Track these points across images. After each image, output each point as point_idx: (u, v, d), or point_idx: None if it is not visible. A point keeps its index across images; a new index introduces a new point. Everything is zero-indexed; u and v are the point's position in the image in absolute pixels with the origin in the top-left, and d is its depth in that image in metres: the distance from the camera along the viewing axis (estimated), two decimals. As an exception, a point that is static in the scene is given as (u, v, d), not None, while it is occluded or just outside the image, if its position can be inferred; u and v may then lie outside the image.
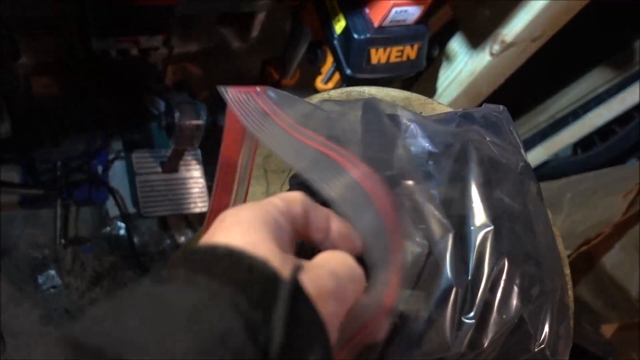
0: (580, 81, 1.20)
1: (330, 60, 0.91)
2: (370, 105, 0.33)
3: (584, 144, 1.28)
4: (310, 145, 0.28)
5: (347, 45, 0.78)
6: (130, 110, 1.12)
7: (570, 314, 0.47)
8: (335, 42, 0.80)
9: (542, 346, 0.37)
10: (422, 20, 0.79)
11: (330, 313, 0.24)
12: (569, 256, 0.89)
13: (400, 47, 0.79)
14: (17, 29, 1.05)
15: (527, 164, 0.40)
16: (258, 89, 0.32)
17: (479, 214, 0.33)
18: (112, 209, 1.10)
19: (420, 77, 1.05)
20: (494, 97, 1.35)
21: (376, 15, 0.75)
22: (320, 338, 0.23)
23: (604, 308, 1.11)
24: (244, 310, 0.22)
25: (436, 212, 0.31)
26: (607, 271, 1.05)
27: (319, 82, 0.96)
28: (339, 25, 0.78)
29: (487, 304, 0.32)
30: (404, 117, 0.35)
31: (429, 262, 0.29)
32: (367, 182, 0.27)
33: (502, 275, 0.33)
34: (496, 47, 0.85)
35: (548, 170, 1.31)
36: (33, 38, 1.06)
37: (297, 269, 0.23)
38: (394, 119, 0.35)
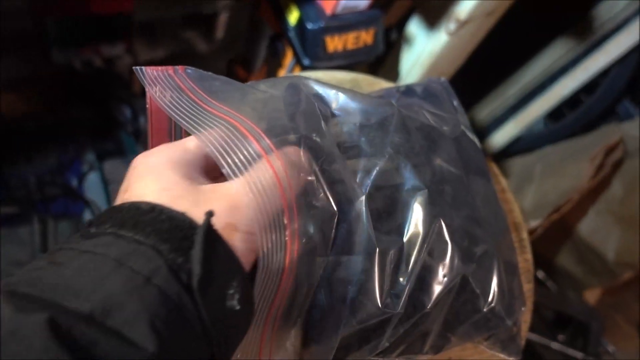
0: (544, 53, 1.21)
1: (290, 52, 0.92)
2: (293, 85, 0.34)
3: (555, 115, 1.29)
4: (217, 115, 0.29)
5: (302, 36, 0.78)
6: (100, 120, 1.12)
7: (520, 274, 0.47)
8: (291, 33, 0.81)
9: (492, 305, 0.37)
10: (375, 5, 0.80)
11: (241, 247, 0.27)
12: (541, 225, 0.90)
13: (356, 34, 0.80)
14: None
15: (464, 130, 0.41)
16: (178, 67, 0.33)
17: (413, 179, 0.34)
18: (90, 220, 1.10)
19: (384, 62, 1.06)
20: (459, 76, 1.36)
21: (328, 4, 0.76)
22: (235, 270, 0.26)
23: (585, 275, 1.13)
24: (166, 254, 0.24)
25: (352, 182, 0.32)
26: (584, 238, 1.07)
27: (281, 75, 0.97)
28: (293, 17, 0.79)
29: (428, 266, 0.33)
30: (333, 96, 0.36)
31: (342, 228, 0.30)
32: (264, 153, 0.29)
33: (439, 236, 0.33)
34: (452, 26, 0.86)
35: (523, 145, 1.32)
36: (-6, 56, 1.06)
37: (210, 214, 0.26)
38: (321, 98, 0.36)
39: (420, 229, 0.33)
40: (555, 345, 1.13)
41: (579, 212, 1.06)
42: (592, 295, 1.14)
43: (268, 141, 0.29)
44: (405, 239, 0.32)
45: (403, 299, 0.31)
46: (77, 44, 0.99)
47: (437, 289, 0.33)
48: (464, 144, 0.40)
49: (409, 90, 0.45)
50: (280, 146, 0.29)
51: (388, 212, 0.32)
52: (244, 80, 1.23)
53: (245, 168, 0.28)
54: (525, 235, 0.52)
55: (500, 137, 1.29)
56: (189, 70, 0.34)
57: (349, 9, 0.77)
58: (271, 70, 1.14)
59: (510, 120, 1.27)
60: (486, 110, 1.32)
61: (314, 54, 0.79)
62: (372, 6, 0.79)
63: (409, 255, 0.32)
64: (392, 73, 1.03)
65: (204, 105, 0.30)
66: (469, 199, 0.37)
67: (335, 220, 0.29)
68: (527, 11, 1.24)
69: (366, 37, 0.81)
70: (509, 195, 0.53)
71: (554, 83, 1.19)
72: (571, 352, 1.12)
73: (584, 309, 1.13)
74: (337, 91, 0.37)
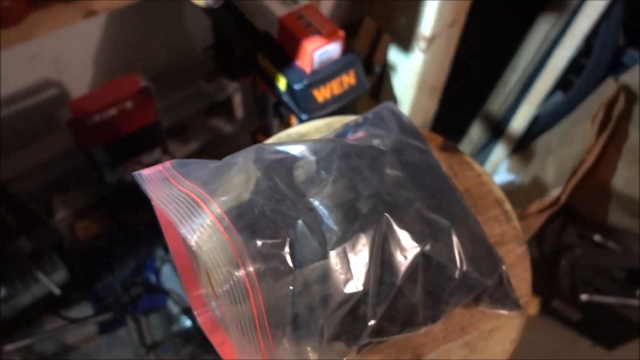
0: (531, 34, 1.26)
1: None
2: (257, 152, 0.44)
3: (565, 86, 1.33)
4: (183, 191, 0.40)
5: (293, 96, 0.90)
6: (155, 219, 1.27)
7: (511, 240, 0.54)
8: (285, 97, 0.92)
9: (464, 270, 0.45)
10: (348, 50, 0.91)
11: None
12: (563, 193, 0.94)
13: (338, 79, 0.90)
14: (47, 191, 1.24)
15: (407, 140, 0.49)
16: (166, 162, 0.44)
17: (361, 191, 0.43)
18: (174, 307, 1.23)
19: (380, 92, 1.16)
20: (456, 82, 1.44)
21: (305, 64, 0.87)
22: None
23: (640, 225, 1.13)
24: None
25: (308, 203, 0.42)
26: (622, 191, 1.09)
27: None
28: (282, 83, 0.91)
29: (388, 252, 0.41)
30: (296, 149, 0.46)
31: (303, 240, 0.39)
32: (210, 213, 0.38)
33: (389, 227, 0.42)
34: (422, 44, 0.95)
35: (543, 124, 1.36)
36: (61, 194, 1.24)
37: None
38: (283, 153, 0.45)
39: (373, 226, 0.41)
40: (635, 302, 1.13)
41: (610, 169, 1.08)
42: (655, 245, 1.14)
43: (215, 204, 0.38)
44: (362, 234, 0.41)
45: (364, 278, 0.39)
46: (121, 162, 1.15)
47: (401, 267, 0.41)
48: (407, 151, 0.48)
49: (362, 120, 0.55)
50: (230, 204, 0.39)
51: (348, 221, 0.41)
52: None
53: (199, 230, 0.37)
54: (508, 207, 0.58)
55: (519, 122, 1.34)
56: (174, 162, 0.45)
57: (325, 62, 0.88)
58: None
59: (523, 103, 1.32)
60: (498, 102, 1.38)
61: (307, 108, 0.89)
62: (345, 52, 0.90)
63: (364, 246, 0.40)
64: (392, 99, 1.12)
65: (178, 186, 0.41)
66: (418, 193, 0.45)
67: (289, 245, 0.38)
68: (502, 3, 1.31)
69: (348, 79, 0.91)
70: (486, 178, 0.60)
71: (549, 58, 1.23)
72: (652, 304, 1.11)
73: (650, 260, 1.13)
74: (293, 145, 0.47)
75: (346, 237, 0.40)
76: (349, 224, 0.41)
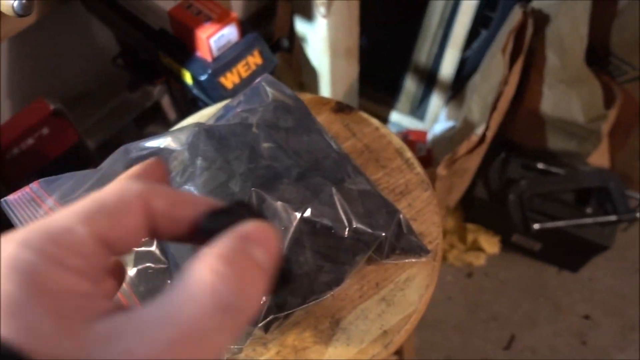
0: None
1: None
2: (122, 153, 0.43)
3: (485, 24, 1.33)
4: (46, 211, 0.38)
5: (201, 88, 0.88)
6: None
7: (418, 186, 0.54)
8: (195, 90, 0.90)
9: (354, 227, 0.44)
10: (247, 30, 0.89)
11: None
12: (488, 128, 0.94)
13: (243, 62, 0.88)
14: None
15: (279, 105, 0.48)
16: (33, 183, 0.43)
17: (236, 170, 0.42)
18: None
19: (299, 67, 1.14)
20: (377, 39, 1.42)
21: (205, 53, 0.85)
22: None
23: (578, 145, 1.15)
24: None
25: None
26: (553, 115, 1.09)
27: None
28: (188, 77, 0.89)
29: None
30: (163, 142, 0.45)
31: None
32: None
33: (263, 201, 0.41)
34: (322, 10, 0.93)
35: (469, 69, 1.36)
36: None
37: None
38: (154, 148, 0.44)
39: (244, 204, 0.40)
40: (587, 220, 1.14)
41: (537, 95, 1.08)
42: (596, 159, 1.16)
43: None
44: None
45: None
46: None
47: (282, 238, 0.41)
48: (282, 120, 0.47)
49: (242, 97, 0.54)
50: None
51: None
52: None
53: None
54: (409, 155, 0.58)
55: (447, 67, 1.34)
56: (41, 181, 0.43)
57: (225, 47, 0.86)
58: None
59: (447, 46, 1.32)
60: (425, 51, 1.37)
61: (218, 96, 0.88)
62: (243, 33, 0.88)
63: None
64: (311, 71, 1.11)
65: (43, 205, 0.39)
66: (295, 160, 0.44)
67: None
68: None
69: (254, 59, 0.89)
70: (384, 130, 0.60)
71: (461, -1, 1.23)
72: (603, 219, 1.13)
73: (596, 175, 1.14)
74: (160, 137, 0.45)
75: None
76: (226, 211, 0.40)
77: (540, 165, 1.20)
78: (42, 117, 0.98)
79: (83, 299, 0.17)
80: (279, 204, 0.41)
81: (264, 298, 0.41)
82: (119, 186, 0.20)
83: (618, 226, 1.18)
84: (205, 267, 0.18)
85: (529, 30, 0.97)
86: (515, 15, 0.99)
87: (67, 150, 1.07)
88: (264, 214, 0.39)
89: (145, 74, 1.10)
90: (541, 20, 1.02)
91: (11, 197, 0.42)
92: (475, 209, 1.27)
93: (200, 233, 0.21)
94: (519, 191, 1.14)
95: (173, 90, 1.08)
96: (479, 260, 1.29)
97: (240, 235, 0.19)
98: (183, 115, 1.39)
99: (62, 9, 1.12)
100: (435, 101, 1.42)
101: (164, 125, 1.46)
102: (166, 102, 1.40)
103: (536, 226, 1.11)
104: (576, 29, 0.92)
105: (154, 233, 0.21)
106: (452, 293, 1.29)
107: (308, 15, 0.98)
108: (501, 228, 1.28)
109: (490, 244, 1.28)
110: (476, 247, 1.30)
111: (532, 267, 1.30)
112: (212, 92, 0.87)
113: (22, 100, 1.20)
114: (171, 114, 1.43)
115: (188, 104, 1.11)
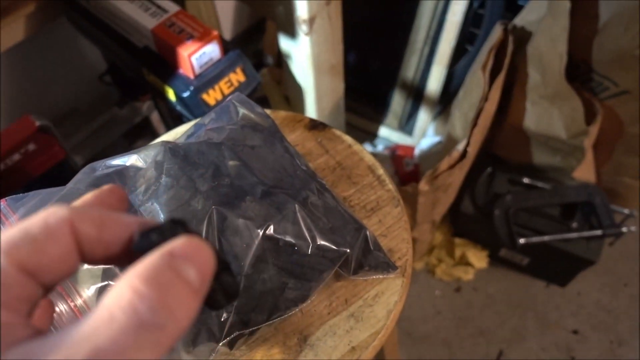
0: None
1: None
2: (86, 172, 0.44)
3: (471, 40, 1.34)
4: (7, 224, 0.39)
5: (184, 104, 0.89)
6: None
7: (388, 203, 0.54)
8: (178, 107, 0.91)
9: (317, 244, 0.45)
10: (230, 48, 0.90)
11: None
12: (468, 144, 0.94)
13: (226, 79, 0.89)
14: None
15: (246, 126, 0.49)
16: (1, 200, 0.43)
17: (200, 188, 0.42)
18: None
19: (286, 83, 1.15)
20: (365, 56, 1.43)
21: (187, 70, 0.86)
22: None
23: (562, 160, 1.15)
24: None
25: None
26: (536, 130, 1.10)
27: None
28: (171, 94, 0.90)
29: (229, 243, 0.41)
30: (129, 159, 0.45)
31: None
32: None
33: (224, 219, 0.41)
34: (304, 28, 0.94)
35: (456, 85, 1.37)
36: None
37: None
38: (121, 167, 0.45)
39: (204, 222, 0.40)
40: (573, 235, 1.14)
41: (520, 112, 1.09)
42: (582, 174, 1.16)
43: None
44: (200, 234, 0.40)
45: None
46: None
47: (244, 256, 0.41)
48: (248, 138, 0.48)
49: (213, 115, 0.54)
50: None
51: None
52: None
53: None
54: (381, 171, 0.58)
55: (433, 83, 1.35)
56: (8, 199, 0.44)
57: (207, 64, 0.87)
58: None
59: (433, 64, 1.33)
60: (412, 67, 1.38)
61: (201, 113, 0.88)
62: (225, 51, 0.89)
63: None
64: (295, 88, 1.12)
65: (8, 224, 0.40)
66: (260, 178, 0.45)
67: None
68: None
69: (237, 76, 0.90)
70: (356, 147, 0.60)
71: (446, 13, 1.24)
72: (588, 233, 1.13)
73: (581, 190, 1.15)
74: (128, 156, 0.46)
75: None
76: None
77: (526, 180, 1.21)
78: (28, 134, 0.99)
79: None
80: (240, 221, 0.41)
81: (224, 316, 0.41)
82: (44, 214, 0.20)
83: (604, 241, 1.18)
84: (125, 286, 0.18)
85: (510, 47, 0.98)
86: (496, 33, 1.00)
87: (53, 167, 1.07)
88: (197, 231, 0.40)
89: (131, 91, 1.11)
90: (522, 37, 1.04)
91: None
92: (462, 223, 1.27)
93: (136, 253, 0.22)
94: (505, 206, 1.14)
95: (160, 106, 1.09)
96: (467, 274, 1.29)
97: (165, 252, 0.19)
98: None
99: (49, 27, 1.13)
100: (423, 116, 1.43)
101: (153, 140, 1.47)
102: (155, 118, 1.41)
103: (522, 241, 1.12)
104: (554, 47, 0.93)
105: (87, 258, 0.21)
106: (440, 308, 1.28)
107: (291, 33, 0.99)
108: (489, 243, 1.28)
109: (478, 259, 1.28)
110: (464, 262, 1.30)
111: (520, 281, 1.30)
112: (195, 109, 0.88)
113: (10, 118, 1.21)
114: (161, 129, 1.44)
115: (175, 120, 1.12)
